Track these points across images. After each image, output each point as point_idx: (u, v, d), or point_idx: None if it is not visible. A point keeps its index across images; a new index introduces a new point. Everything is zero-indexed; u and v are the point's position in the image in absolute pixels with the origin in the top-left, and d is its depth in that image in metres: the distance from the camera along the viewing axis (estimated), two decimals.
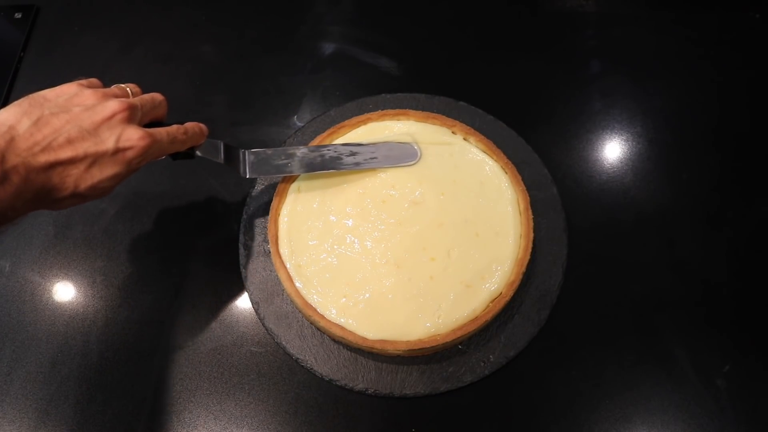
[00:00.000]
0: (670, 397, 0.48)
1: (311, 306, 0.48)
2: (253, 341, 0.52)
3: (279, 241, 0.52)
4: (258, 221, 0.56)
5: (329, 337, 0.50)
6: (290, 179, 0.55)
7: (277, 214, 0.53)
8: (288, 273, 0.50)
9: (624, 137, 0.61)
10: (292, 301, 0.50)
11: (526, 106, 0.63)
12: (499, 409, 0.48)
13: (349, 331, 0.47)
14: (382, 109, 0.59)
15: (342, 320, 0.48)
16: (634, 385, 0.48)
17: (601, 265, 0.54)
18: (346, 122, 0.58)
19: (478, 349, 0.49)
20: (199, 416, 0.49)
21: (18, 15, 0.73)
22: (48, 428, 0.48)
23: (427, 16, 0.71)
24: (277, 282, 0.52)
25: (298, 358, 0.49)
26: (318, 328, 0.50)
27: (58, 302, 0.54)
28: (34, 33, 0.72)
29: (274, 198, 0.54)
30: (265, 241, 0.54)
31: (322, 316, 0.48)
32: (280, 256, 0.51)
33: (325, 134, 0.57)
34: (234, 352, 0.51)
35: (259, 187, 0.58)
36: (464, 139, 0.57)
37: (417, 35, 0.70)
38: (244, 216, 0.57)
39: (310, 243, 0.51)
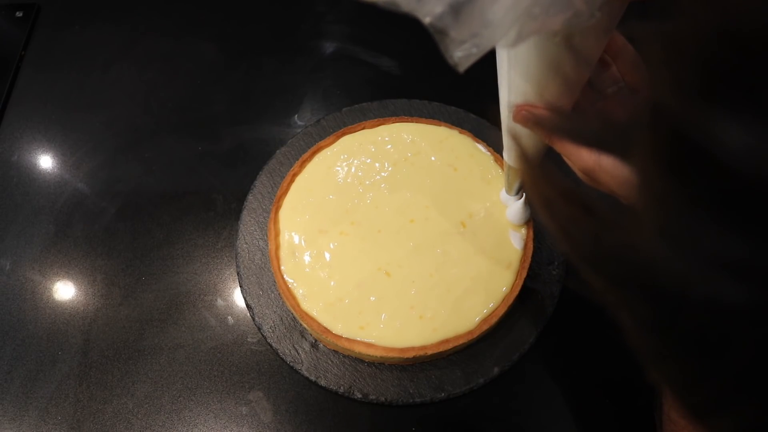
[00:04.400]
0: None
1: (309, 315, 0.48)
2: (253, 340, 0.52)
3: (279, 240, 0.52)
4: (258, 220, 0.56)
5: (328, 347, 0.50)
6: (292, 179, 0.55)
7: (278, 214, 0.53)
8: (285, 280, 0.50)
9: None
10: (287, 306, 0.51)
11: None
12: (500, 410, 0.48)
13: (355, 341, 0.47)
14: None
15: (339, 326, 0.48)
16: (635, 385, 0.48)
17: None
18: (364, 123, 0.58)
19: (480, 354, 0.49)
20: (199, 415, 0.49)
21: (19, 14, 0.73)
22: (48, 426, 0.49)
23: None
24: (273, 283, 0.52)
25: (293, 366, 0.50)
26: (311, 332, 0.50)
27: (58, 301, 0.55)
28: (35, 32, 0.72)
29: (275, 198, 0.54)
30: (265, 239, 0.54)
31: (317, 322, 0.48)
32: (278, 259, 0.51)
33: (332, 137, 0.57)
34: (234, 351, 0.51)
35: (259, 187, 0.58)
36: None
37: (418, 34, 0.70)
38: (244, 215, 0.57)
39: (305, 244, 0.52)
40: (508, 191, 0.49)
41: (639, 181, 0.18)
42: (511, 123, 0.37)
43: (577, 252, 0.22)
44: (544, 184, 0.27)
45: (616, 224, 0.20)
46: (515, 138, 0.39)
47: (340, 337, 0.47)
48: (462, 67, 0.25)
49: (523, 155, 0.39)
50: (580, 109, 0.37)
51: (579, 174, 0.35)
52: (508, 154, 0.43)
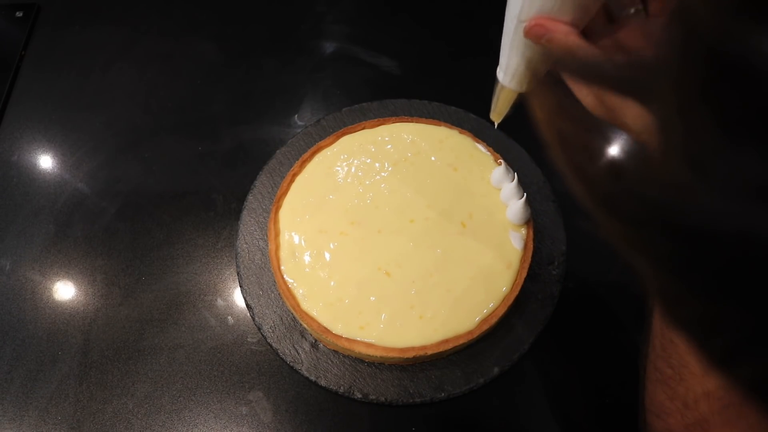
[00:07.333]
0: None
1: (309, 315, 0.48)
2: (253, 340, 0.52)
3: (279, 240, 0.52)
4: (258, 220, 0.56)
5: (327, 346, 0.50)
6: (292, 179, 0.55)
7: (278, 214, 0.53)
8: (285, 280, 0.50)
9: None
10: (287, 306, 0.51)
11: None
12: (500, 410, 0.48)
13: (355, 341, 0.47)
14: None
15: (339, 326, 0.48)
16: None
17: (602, 263, 0.54)
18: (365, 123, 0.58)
19: (480, 354, 0.49)
20: (199, 415, 0.49)
21: (19, 14, 0.73)
22: (48, 426, 0.49)
23: (428, 15, 0.71)
24: (273, 283, 0.52)
25: (293, 366, 0.50)
26: (311, 332, 0.50)
27: (58, 301, 0.55)
28: (35, 32, 0.72)
29: (275, 198, 0.54)
30: (265, 239, 0.54)
31: (317, 322, 0.48)
32: (278, 259, 0.51)
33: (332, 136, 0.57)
34: (234, 351, 0.51)
35: (259, 187, 0.58)
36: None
37: (418, 34, 0.70)
38: (244, 215, 0.57)
39: (305, 244, 0.52)
40: (494, 117, 0.45)
41: (665, 112, 0.17)
42: (518, 38, 0.33)
43: (592, 192, 0.20)
44: (559, 116, 0.25)
45: (638, 159, 0.19)
46: (527, 57, 0.34)
47: (340, 337, 0.47)
48: None
49: (533, 76, 0.35)
50: (592, 33, 0.33)
51: (588, 106, 0.31)
52: (505, 73, 0.38)
